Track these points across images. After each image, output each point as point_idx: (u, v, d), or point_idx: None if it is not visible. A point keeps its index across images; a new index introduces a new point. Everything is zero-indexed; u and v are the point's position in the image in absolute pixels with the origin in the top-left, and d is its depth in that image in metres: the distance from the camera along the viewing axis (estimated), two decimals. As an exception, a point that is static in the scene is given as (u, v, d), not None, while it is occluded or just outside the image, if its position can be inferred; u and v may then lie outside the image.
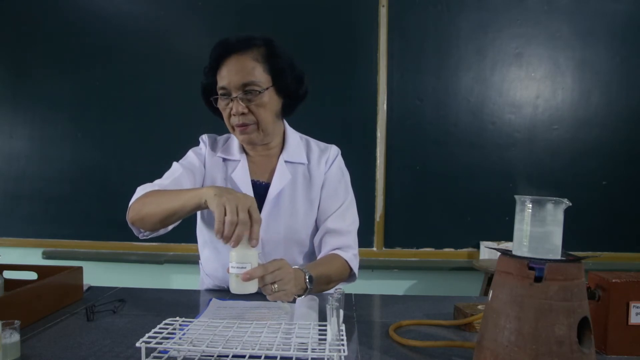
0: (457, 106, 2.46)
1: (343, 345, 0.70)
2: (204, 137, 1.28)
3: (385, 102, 2.47)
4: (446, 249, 2.51)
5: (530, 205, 0.66)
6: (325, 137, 1.33)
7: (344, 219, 1.21)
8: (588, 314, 0.64)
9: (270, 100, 1.12)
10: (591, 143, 2.44)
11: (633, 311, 0.78)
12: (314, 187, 1.22)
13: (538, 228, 0.66)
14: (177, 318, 0.83)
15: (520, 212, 0.68)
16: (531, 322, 0.63)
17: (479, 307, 0.95)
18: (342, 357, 0.71)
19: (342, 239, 1.19)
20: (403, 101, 2.47)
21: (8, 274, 1.08)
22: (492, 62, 2.45)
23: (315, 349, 0.71)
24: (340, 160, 1.28)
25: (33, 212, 2.62)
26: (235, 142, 1.26)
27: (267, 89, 1.11)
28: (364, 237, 2.50)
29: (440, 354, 0.80)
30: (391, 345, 0.84)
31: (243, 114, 1.10)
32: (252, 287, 0.89)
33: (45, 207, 2.61)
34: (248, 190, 1.18)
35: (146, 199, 1.06)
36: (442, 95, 2.47)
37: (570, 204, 0.65)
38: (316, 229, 1.23)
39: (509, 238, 0.69)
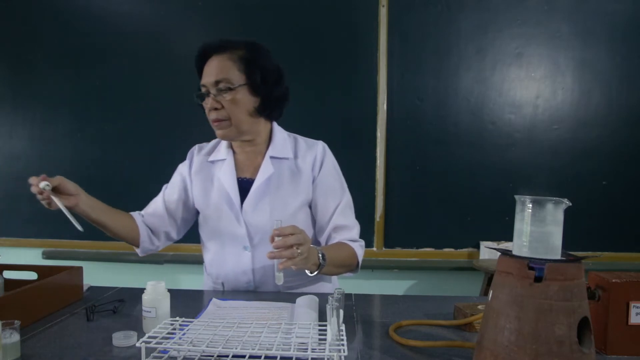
0: (457, 106, 2.46)
1: (343, 345, 0.70)
2: (193, 149, 1.35)
3: (385, 102, 2.47)
4: (446, 249, 2.51)
5: (530, 205, 0.66)
6: (325, 137, 1.33)
7: (346, 216, 1.26)
8: (588, 314, 0.64)
9: (243, 98, 1.16)
10: (591, 143, 2.44)
11: (633, 311, 0.78)
12: (302, 180, 1.24)
13: (538, 228, 0.66)
14: (177, 318, 0.83)
15: (520, 212, 0.68)
16: (531, 322, 0.63)
17: (479, 307, 0.95)
18: (342, 357, 0.71)
19: (349, 233, 1.25)
20: (403, 101, 2.47)
21: (8, 274, 1.08)
22: (492, 62, 2.45)
23: (315, 349, 0.71)
24: (330, 156, 1.31)
25: (33, 212, 2.61)
26: (223, 143, 1.31)
27: (239, 86, 1.15)
28: (364, 237, 2.48)
29: (440, 354, 0.80)
30: (391, 345, 0.84)
31: (216, 109, 1.16)
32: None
33: (45, 207, 2.60)
34: (233, 187, 1.22)
35: None
36: (442, 95, 2.47)
37: (570, 204, 0.65)
38: (313, 225, 1.28)
39: (509, 238, 0.69)
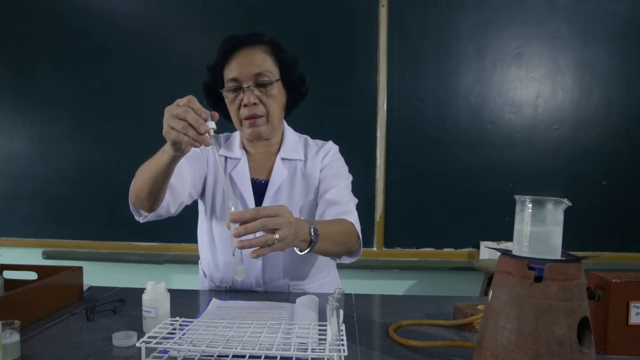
0: (457, 106, 2.46)
1: (343, 345, 0.70)
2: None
3: (385, 102, 2.47)
4: (446, 249, 2.51)
5: (530, 205, 0.66)
6: (325, 136, 1.33)
7: (343, 195, 1.18)
8: (588, 314, 0.64)
9: (279, 93, 1.16)
10: (591, 143, 2.44)
11: (633, 311, 0.78)
12: (311, 182, 1.22)
13: (538, 228, 0.66)
14: (177, 318, 0.83)
15: (520, 212, 0.68)
16: (531, 322, 0.63)
17: (479, 307, 0.95)
18: (342, 357, 0.71)
19: (343, 207, 1.15)
20: (403, 101, 2.47)
21: (8, 274, 1.08)
22: (492, 62, 2.45)
23: (315, 349, 0.71)
24: (337, 151, 1.29)
25: (33, 212, 2.62)
26: (236, 140, 1.27)
27: (277, 80, 1.14)
28: (364, 237, 2.48)
29: (440, 354, 0.80)
30: (391, 345, 0.84)
31: (254, 104, 1.12)
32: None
33: (45, 207, 2.61)
34: (247, 188, 1.20)
35: (136, 176, 1.03)
36: (442, 95, 2.47)
37: (570, 204, 0.65)
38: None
39: (509, 238, 0.69)
